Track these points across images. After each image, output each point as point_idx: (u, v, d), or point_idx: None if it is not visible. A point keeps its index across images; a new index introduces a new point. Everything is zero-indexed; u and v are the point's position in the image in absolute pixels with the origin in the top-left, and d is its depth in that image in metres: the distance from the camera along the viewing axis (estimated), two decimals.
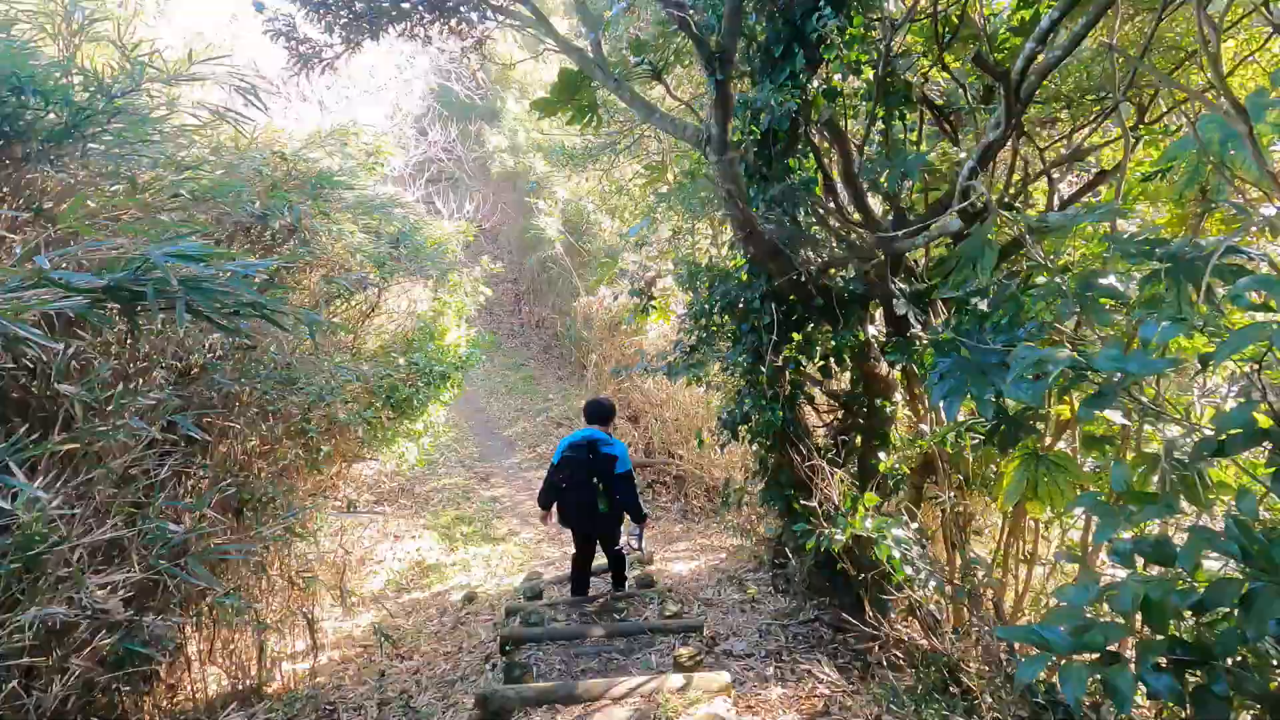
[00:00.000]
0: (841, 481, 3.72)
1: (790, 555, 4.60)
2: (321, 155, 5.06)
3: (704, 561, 6.36)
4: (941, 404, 2.46)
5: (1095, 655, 1.48)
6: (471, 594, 6.00)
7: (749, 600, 4.85)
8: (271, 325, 2.05)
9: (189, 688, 4.35)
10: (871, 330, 3.74)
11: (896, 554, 3.14)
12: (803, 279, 3.46)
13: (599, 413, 4.77)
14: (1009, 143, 3.69)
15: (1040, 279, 3.23)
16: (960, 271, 2.86)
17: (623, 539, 5.05)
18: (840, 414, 4.17)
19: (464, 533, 7.95)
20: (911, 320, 3.50)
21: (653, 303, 5.26)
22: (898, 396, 4.05)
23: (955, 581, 3.36)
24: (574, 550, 5.06)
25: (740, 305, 3.77)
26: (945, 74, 4.72)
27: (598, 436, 4.60)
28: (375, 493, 8.80)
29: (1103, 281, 2.39)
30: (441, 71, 19.57)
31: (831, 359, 3.85)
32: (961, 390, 2.41)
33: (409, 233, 5.11)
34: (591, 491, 4.54)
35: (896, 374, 4.08)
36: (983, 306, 2.92)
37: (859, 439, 4.10)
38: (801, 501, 3.73)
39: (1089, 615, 1.59)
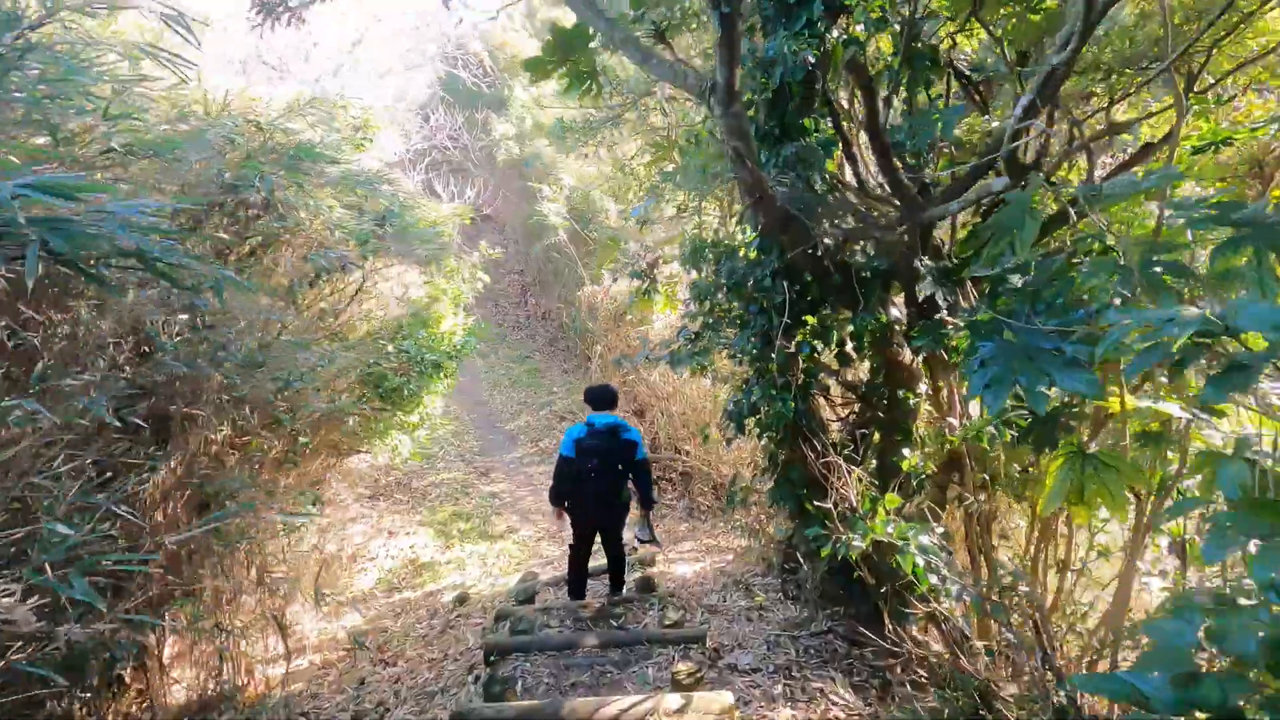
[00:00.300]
0: (859, 481, 3.36)
1: (802, 560, 4.25)
2: (304, 127, 4.74)
3: (709, 563, 6.01)
4: (983, 394, 2.10)
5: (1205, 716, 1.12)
6: (464, 595, 5.68)
7: (756, 608, 4.50)
8: (175, 285, 1.73)
9: (162, 693, 4.07)
10: (894, 313, 3.37)
11: (921, 562, 2.78)
12: (819, 253, 3.10)
13: (607, 397, 4.46)
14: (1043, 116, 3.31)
15: (1088, 254, 2.86)
16: (996, 245, 2.49)
17: (629, 535, 4.77)
18: (858, 406, 3.79)
19: (461, 529, 7.64)
20: (939, 301, 3.12)
21: (656, 288, 4.91)
22: (921, 387, 3.67)
23: (988, 594, 2.99)
24: (574, 547, 4.74)
25: (749, 284, 3.40)
26: (973, 42, 4.33)
27: (618, 422, 4.34)
28: (372, 487, 8.52)
29: (1165, 256, 2.03)
30: (449, 59, 19.29)
31: (849, 344, 3.48)
32: (1007, 379, 2.05)
33: (397, 211, 4.78)
34: (614, 480, 4.32)
35: (919, 362, 3.71)
36: (1020, 284, 2.56)
37: (878, 434, 3.73)
38: (815, 502, 3.38)
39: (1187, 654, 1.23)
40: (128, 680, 3.94)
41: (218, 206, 3.84)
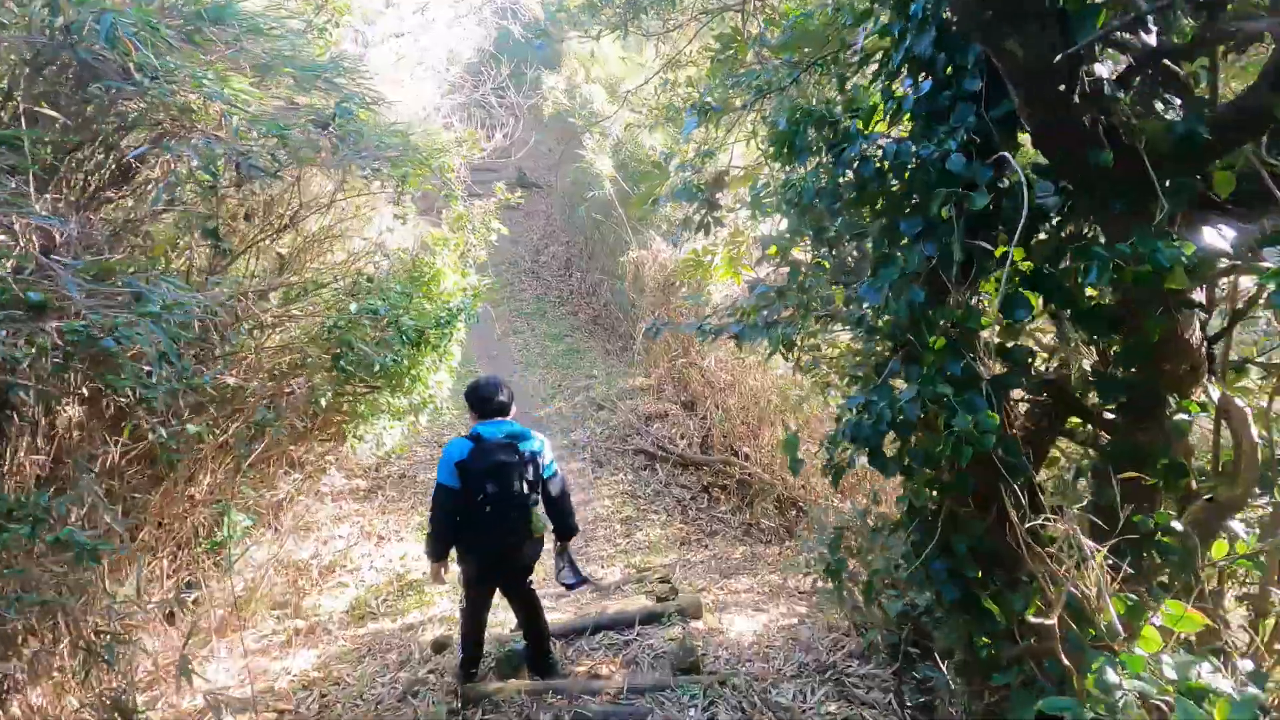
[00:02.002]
0: (1103, 568, 1.71)
1: (941, 662, 2.60)
2: None
3: (775, 616, 4.42)
4: None
5: None
6: (443, 641, 4.27)
7: None
8: None
9: None
10: (1207, 238, 1.66)
11: None
12: (1073, 99, 1.47)
13: (498, 398, 3.36)
14: None
15: None
16: None
17: (558, 574, 3.63)
18: (1092, 424, 2.11)
19: None
20: None
21: (717, 217, 3.33)
22: (1213, 389, 1.97)
23: None
24: (466, 611, 3.53)
25: (908, 171, 1.78)
26: None
27: (516, 430, 3.30)
28: (368, 478, 7.24)
29: None
30: (500, 11, 17.96)
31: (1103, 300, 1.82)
32: None
33: (352, 110, 3.32)
34: (520, 510, 3.24)
35: (1203, 346, 2.01)
36: None
37: (1113, 471, 2.04)
38: (1001, 595, 1.77)
39: None
40: None
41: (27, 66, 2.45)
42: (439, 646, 4.22)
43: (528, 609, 3.54)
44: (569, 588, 3.68)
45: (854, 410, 1.94)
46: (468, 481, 3.15)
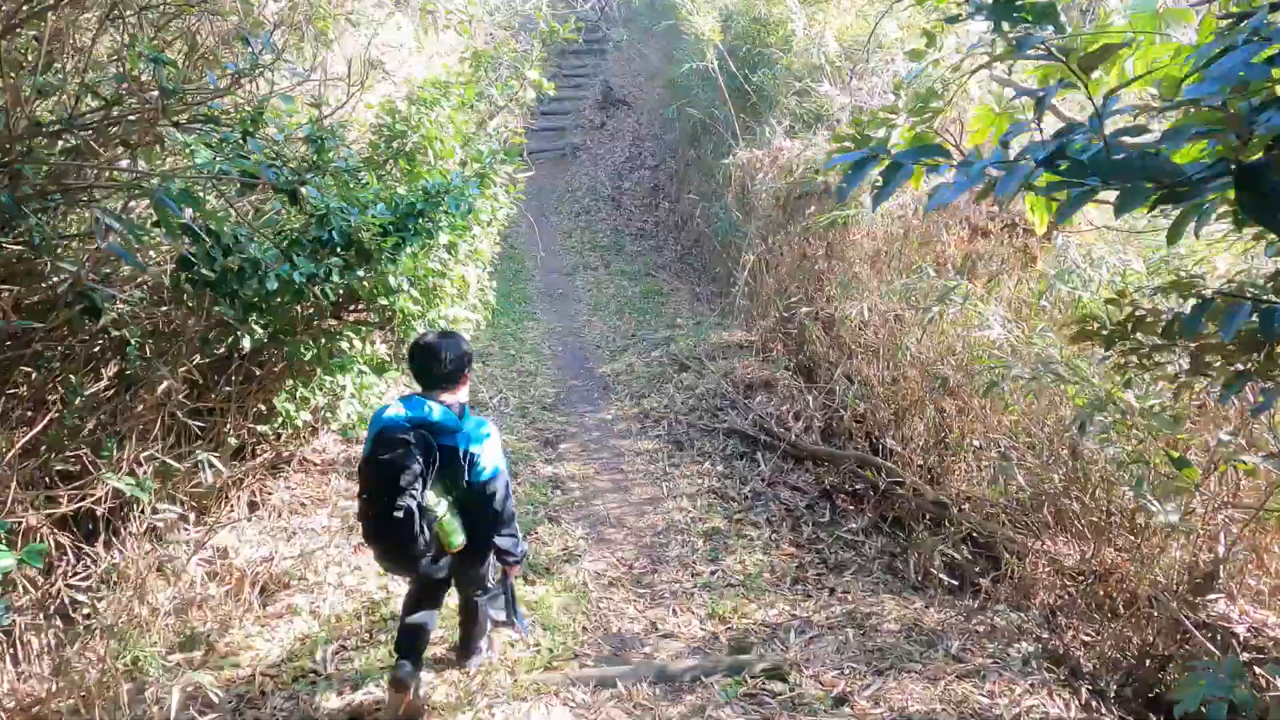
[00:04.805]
0: None
1: None
2: None
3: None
4: None
5: None
6: None
7: None
8: None
9: None
10: None
11: None
12: None
13: (438, 361, 2.55)
14: None
15: None
16: None
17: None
18: None
19: None
20: None
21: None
22: None
23: None
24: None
25: None
26: None
27: (441, 417, 2.52)
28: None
29: None
30: None
31: None
32: None
33: None
34: (405, 519, 2.40)
35: None
36: None
37: None
38: None
39: None
40: None
41: None
42: None
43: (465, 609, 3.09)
44: (496, 624, 3.12)
45: None
46: (370, 457, 2.48)
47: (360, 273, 2.59)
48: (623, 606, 3.99)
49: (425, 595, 2.95)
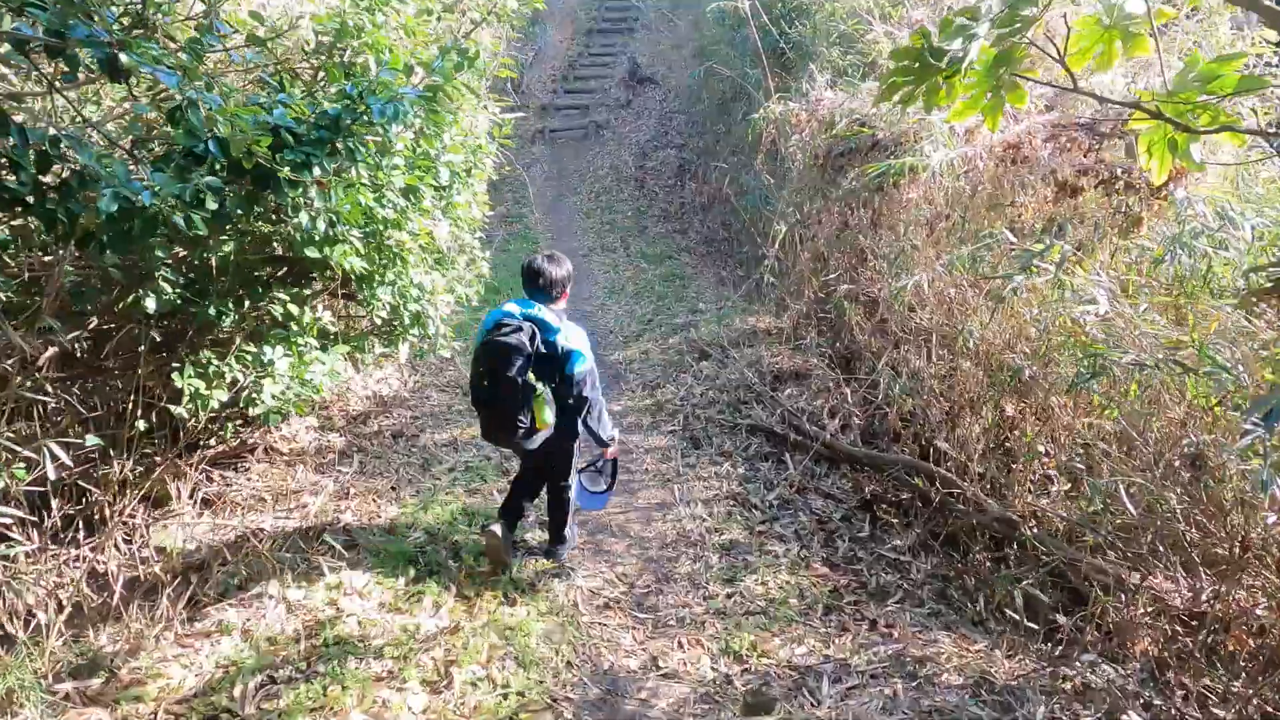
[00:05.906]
0: None
1: None
2: None
3: None
4: None
5: None
6: None
7: None
8: None
9: None
10: None
11: None
12: None
13: (542, 273, 3.12)
14: None
15: None
16: None
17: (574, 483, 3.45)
18: None
19: (467, 563, 3.69)
20: None
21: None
22: None
23: None
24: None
25: None
26: None
27: (541, 319, 3.06)
28: (349, 433, 4.86)
29: None
30: None
31: None
32: None
33: None
34: (512, 403, 3.01)
35: None
36: None
37: None
38: None
39: None
40: None
41: None
42: None
43: (553, 502, 3.57)
44: (589, 494, 3.59)
45: None
46: (480, 353, 3.03)
47: (259, 207, 1.94)
48: (618, 635, 3.31)
49: (526, 484, 3.60)
